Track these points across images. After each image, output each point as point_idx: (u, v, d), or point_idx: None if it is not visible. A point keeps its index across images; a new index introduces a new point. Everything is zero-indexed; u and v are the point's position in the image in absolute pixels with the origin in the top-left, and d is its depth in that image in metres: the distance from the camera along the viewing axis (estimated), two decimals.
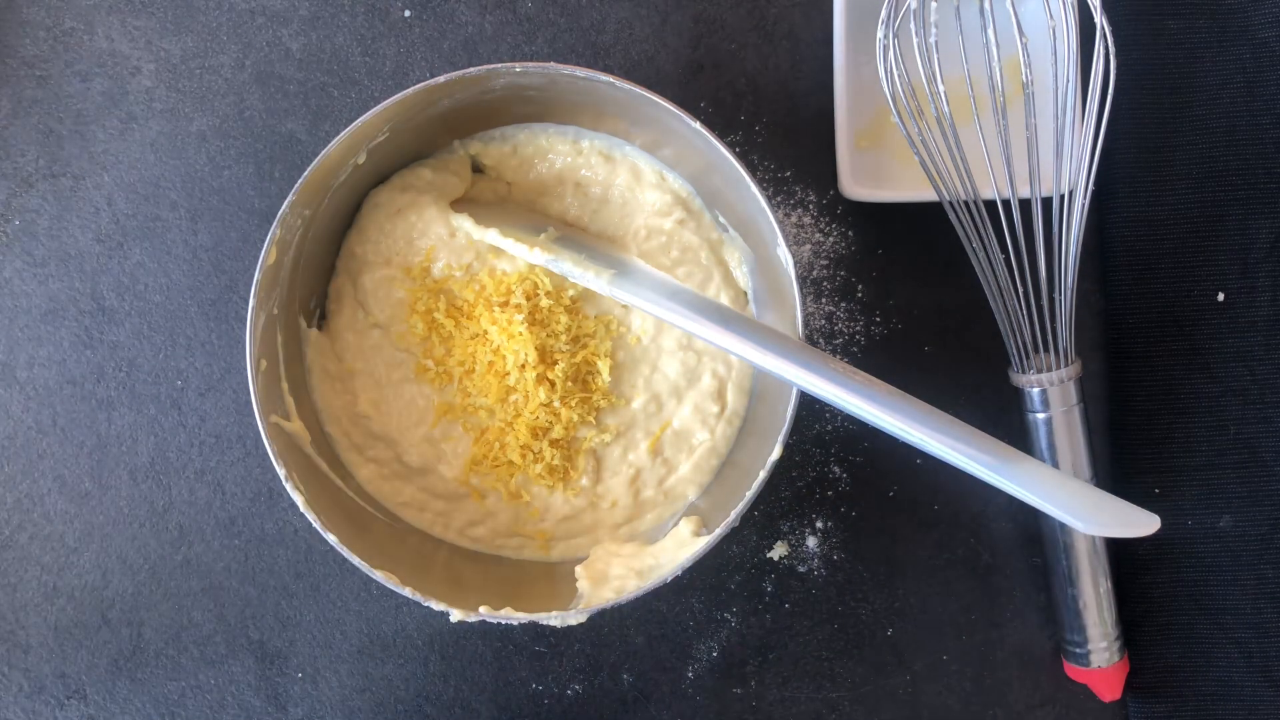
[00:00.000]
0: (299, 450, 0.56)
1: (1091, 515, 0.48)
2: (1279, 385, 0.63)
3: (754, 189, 0.52)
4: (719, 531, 0.53)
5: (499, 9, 0.65)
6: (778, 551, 0.65)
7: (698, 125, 0.52)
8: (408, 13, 0.65)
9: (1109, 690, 0.62)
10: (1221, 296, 0.63)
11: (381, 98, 0.53)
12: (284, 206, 0.52)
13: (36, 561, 0.65)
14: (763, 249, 0.57)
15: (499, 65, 0.53)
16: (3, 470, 0.65)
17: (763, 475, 0.53)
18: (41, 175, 0.65)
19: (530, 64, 0.53)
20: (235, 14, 0.65)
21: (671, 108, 0.52)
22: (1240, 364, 0.63)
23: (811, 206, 0.65)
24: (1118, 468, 0.64)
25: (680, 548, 0.56)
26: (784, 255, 0.53)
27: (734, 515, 0.53)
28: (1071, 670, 0.63)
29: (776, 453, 0.53)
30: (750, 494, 0.53)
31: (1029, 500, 0.49)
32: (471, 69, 0.53)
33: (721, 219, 0.61)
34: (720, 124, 0.65)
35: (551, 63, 0.53)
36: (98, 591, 0.65)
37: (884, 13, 0.56)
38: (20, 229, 0.65)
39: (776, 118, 0.65)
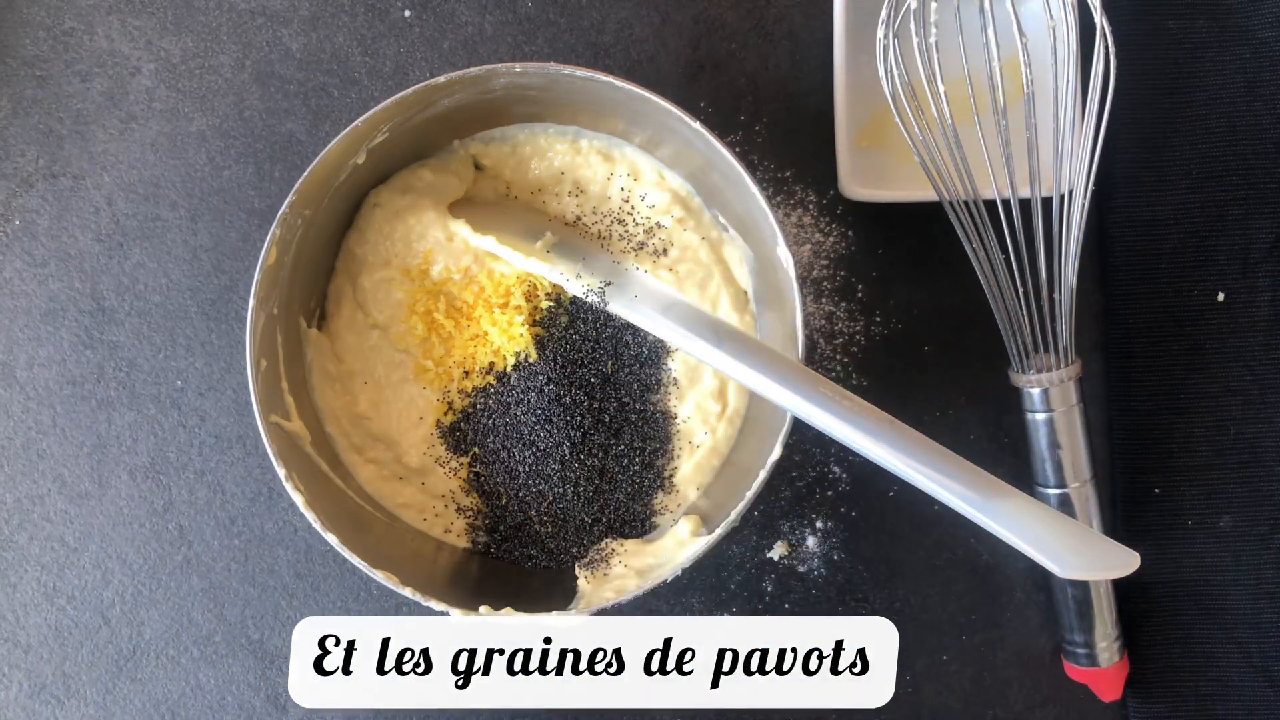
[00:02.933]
0: (299, 450, 0.56)
1: (1069, 556, 0.49)
2: (1279, 385, 0.63)
3: (754, 189, 0.52)
4: (719, 531, 0.53)
5: (499, 9, 0.65)
6: (778, 551, 0.65)
7: (698, 125, 0.52)
8: (408, 13, 0.65)
9: (1109, 690, 0.62)
10: (1222, 296, 0.63)
11: (381, 98, 0.53)
12: (284, 206, 0.52)
13: (36, 561, 0.65)
14: (763, 249, 0.57)
15: (499, 65, 0.53)
16: (2, 470, 0.65)
17: (763, 475, 0.53)
18: (41, 175, 0.65)
19: (530, 64, 0.53)
20: (235, 14, 0.65)
21: (671, 108, 0.52)
22: (1240, 364, 0.63)
23: (811, 206, 0.65)
24: (1118, 468, 0.64)
25: (680, 547, 0.56)
26: (784, 255, 0.53)
27: (734, 515, 0.53)
28: (1071, 670, 0.63)
29: (777, 453, 0.53)
30: (750, 494, 0.53)
31: (1008, 539, 0.49)
32: (471, 69, 0.53)
33: (721, 218, 0.61)
34: (720, 124, 0.65)
35: (551, 63, 0.53)
36: (97, 591, 0.65)
37: (884, 13, 0.56)
38: (20, 229, 0.65)
39: (776, 118, 0.65)
